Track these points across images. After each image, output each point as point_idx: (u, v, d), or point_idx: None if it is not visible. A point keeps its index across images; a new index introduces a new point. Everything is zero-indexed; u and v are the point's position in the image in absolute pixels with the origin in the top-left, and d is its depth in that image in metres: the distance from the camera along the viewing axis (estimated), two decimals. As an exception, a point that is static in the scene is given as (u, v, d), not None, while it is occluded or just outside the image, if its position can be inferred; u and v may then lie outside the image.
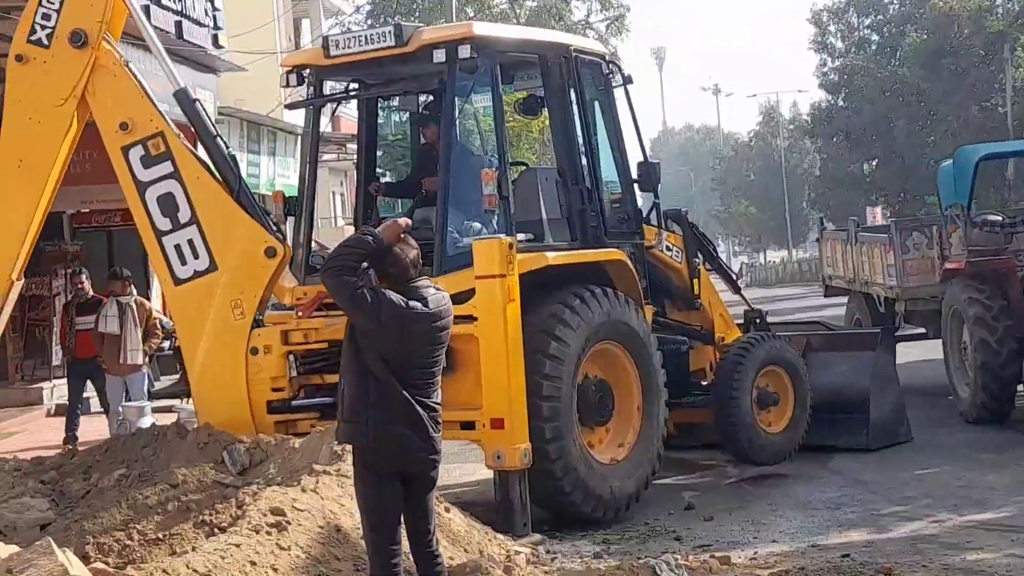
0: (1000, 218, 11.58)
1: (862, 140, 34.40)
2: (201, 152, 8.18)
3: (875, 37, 37.44)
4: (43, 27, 7.40)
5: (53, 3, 7.37)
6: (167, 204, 7.57)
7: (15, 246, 7.49)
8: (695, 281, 9.39)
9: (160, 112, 7.72)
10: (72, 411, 10.75)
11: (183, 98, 7.88)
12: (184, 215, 7.57)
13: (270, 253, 7.54)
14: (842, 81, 35.84)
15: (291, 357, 7.68)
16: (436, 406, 4.60)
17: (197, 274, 7.57)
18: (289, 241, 8.89)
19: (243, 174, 15.27)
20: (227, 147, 8.44)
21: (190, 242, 7.60)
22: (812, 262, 38.73)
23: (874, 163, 33.80)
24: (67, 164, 8.11)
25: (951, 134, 29.87)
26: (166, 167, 7.51)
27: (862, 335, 11.77)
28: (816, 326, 11.69)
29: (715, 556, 6.73)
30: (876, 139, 32.59)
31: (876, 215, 34.69)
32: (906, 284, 11.78)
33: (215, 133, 8.19)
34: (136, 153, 7.49)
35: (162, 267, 7.78)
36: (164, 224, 7.59)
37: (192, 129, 8.18)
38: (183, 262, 7.62)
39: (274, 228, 8.11)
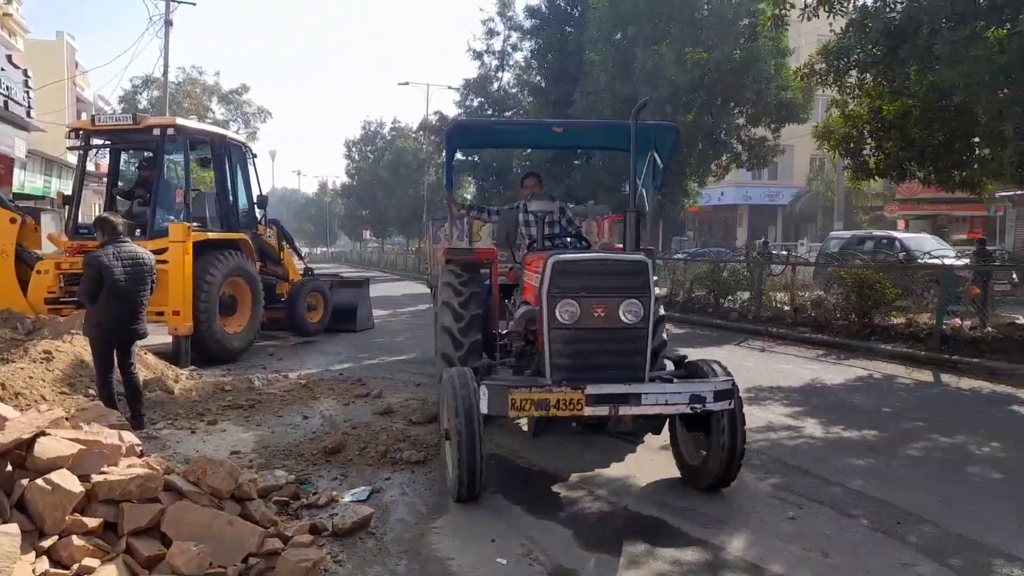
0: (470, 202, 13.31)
1: (364, 200, 53.99)
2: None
3: (370, 157, 53.64)
4: None
5: None
6: None
7: None
8: (281, 252, 12.44)
9: None
10: None
11: None
12: None
13: (13, 221, 9.40)
14: (354, 174, 56.24)
15: (60, 276, 9.50)
16: (144, 304, 6.24)
17: None
18: (64, 219, 10.29)
19: (42, 187, 20.08)
20: None
21: None
22: (335, 253, 74.48)
23: (367, 212, 54.56)
24: None
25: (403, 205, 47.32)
26: None
27: (357, 280, 14.43)
28: (337, 276, 14.80)
29: (280, 373, 8.94)
30: (369, 203, 51.93)
31: (367, 234, 60.03)
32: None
33: None
34: None
35: None
36: None
37: None
38: None
39: (13, 208, 9.73)
